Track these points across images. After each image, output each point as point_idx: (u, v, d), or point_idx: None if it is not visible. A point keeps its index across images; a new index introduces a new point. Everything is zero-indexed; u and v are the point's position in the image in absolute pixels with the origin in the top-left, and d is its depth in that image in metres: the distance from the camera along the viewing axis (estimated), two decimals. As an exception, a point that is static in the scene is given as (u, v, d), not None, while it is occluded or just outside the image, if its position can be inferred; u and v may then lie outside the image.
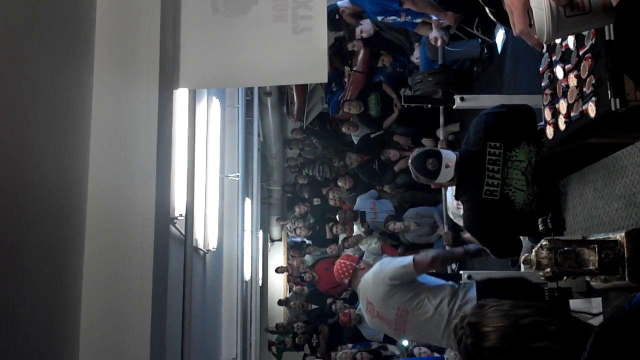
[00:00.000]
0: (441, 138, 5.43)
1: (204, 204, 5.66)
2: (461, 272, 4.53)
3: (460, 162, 3.45)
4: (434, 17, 5.61)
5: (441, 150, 3.62)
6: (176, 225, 4.13)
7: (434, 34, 5.67)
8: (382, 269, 3.79)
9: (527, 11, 1.48)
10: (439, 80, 5.43)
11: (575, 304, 2.58)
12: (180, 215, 4.00)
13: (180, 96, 4.02)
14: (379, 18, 5.84)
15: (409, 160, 3.69)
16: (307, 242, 11.45)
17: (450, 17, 5.47)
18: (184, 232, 3.96)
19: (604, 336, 1.10)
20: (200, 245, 5.56)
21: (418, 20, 5.82)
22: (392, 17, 5.74)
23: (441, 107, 5.42)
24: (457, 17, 5.50)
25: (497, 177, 3.29)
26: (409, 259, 3.74)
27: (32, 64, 2.30)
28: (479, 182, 3.31)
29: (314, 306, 9.70)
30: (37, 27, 2.34)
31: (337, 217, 8.63)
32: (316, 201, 10.98)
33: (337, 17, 5.82)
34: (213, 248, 6.02)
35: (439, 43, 5.72)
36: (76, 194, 2.66)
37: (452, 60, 6.13)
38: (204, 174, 5.64)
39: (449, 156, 3.49)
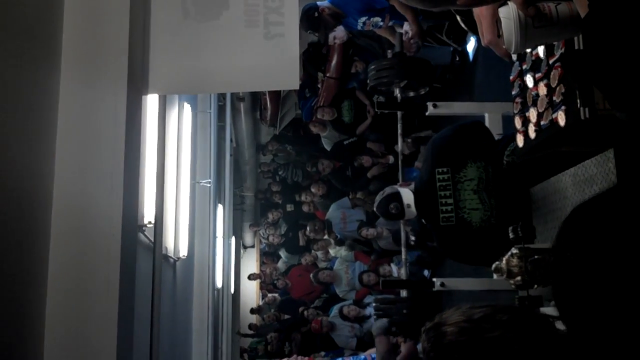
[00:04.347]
0: (400, 148, 5.34)
1: (174, 210, 5.59)
2: (434, 279, 4.54)
3: (416, 195, 3.55)
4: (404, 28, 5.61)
5: (400, 190, 3.69)
6: (145, 232, 4.07)
7: (405, 27, 5.65)
8: None
9: (496, 21, 1.48)
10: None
11: (546, 312, 2.59)
12: (150, 222, 3.94)
13: (151, 102, 3.97)
14: (362, 20, 5.71)
15: (375, 208, 3.87)
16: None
17: (415, 30, 5.45)
18: (153, 240, 3.90)
19: (573, 218, 1.14)
20: (171, 252, 5.49)
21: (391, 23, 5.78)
22: (376, 19, 5.66)
23: (399, 114, 5.30)
24: (419, 34, 5.48)
25: (449, 203, 3.32)
26: None
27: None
28: (435, 211, 3.36)
29: (287, 316, 9.66)
30: (0, 28, 2.28)
31: (308, 228, 8.68)
32: (289, 207, 10.96)
33: (315, 14, 5.66)
34: (184, 255, 5.95)
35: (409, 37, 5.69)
36: (41, 201, 2.60)
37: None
38: (174, 180, 5.57)
39: (408, 196, 3.59)
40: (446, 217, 3.33)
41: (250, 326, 10.99)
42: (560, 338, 1.36)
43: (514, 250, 2.42)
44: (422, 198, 3.49)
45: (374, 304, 5.57)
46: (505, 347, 1.39)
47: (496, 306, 1.47)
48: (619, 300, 0.92)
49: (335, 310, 7.50)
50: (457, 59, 5.88)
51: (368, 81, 5.51)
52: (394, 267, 7.18)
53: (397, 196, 3.64)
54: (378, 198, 3.82)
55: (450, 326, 1.44)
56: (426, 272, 6.63)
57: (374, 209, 3.88)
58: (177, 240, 5.71)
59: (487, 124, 4.09)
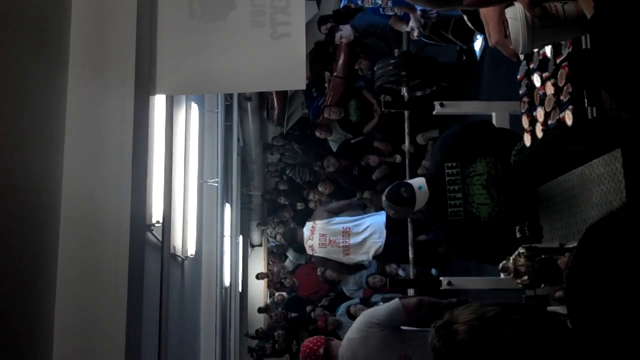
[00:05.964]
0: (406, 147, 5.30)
1: (182, 210, 5.61)
2: (441, 278, 4.54)
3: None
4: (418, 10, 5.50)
5: (408, 181, 3.72)
6: (153, 232, 4.08)
7: (411, 24, 5.61)
8: (370, 314, 3.54)
9: (503, 22, 1.48)
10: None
11: (554, 310, 2.58)
12: (158, 222, 3.95)
13: (159, 102, 3.98)
14: None
15: (383, 199, 3.77)
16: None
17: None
18: (161, 239, 3.91)
19: (591, 234, 1.15)
20: (179, 251, 5.50)
21: (390, 13, 5.69)
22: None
23: (406, 113, 5.26)
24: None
25: (458, 197, 3.33)
26: (395, 301, 3.58)
27: (4, 66, 2.25)
28: (444, 206, 3.35)
29: (294, 314, 9.67)
30: (9, 29, 2.29)
31: None
32: (300, 206, 10.97)
33: None
34: (192, 254, 5.97)
35: (415, 34, 5.65)
36: (50, 201, 2.61)
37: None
38: (182, 179, 5.59)
39: (418, 180, 3.60)
40: (454, 212, 3.33)
41: (257, 333, 11.00)
42: (573, 337, 1.34)
43: (521, 250, 2.42)
44: (431, 193, 3.49)
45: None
46: (518, 346, 1.38)
47: (508, 305, 1.45)
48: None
49: (342, 308, 7.50)
50: (464, 57, 5.86)
51: (375, 80, 5.49)
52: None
53: (406, 183, 3.65)
54: (386, 191, 3.78)
55: (462, 324, 1.43)
56: (433, 271, 6.62)
57: (384, 197, 3.80)
58: (185, 239, 5.72)
59: (494, 123, 4.09)
